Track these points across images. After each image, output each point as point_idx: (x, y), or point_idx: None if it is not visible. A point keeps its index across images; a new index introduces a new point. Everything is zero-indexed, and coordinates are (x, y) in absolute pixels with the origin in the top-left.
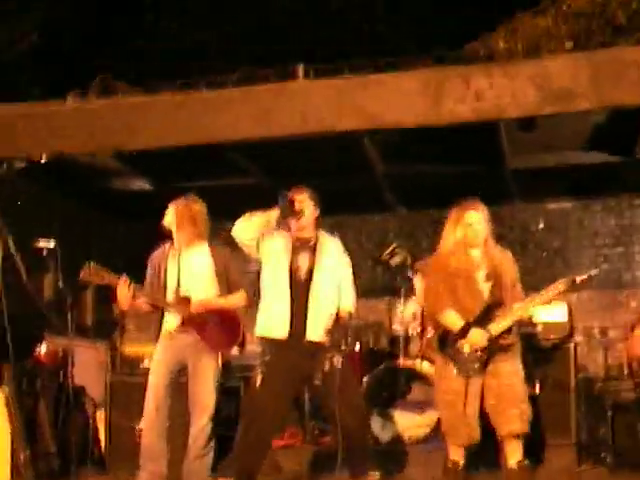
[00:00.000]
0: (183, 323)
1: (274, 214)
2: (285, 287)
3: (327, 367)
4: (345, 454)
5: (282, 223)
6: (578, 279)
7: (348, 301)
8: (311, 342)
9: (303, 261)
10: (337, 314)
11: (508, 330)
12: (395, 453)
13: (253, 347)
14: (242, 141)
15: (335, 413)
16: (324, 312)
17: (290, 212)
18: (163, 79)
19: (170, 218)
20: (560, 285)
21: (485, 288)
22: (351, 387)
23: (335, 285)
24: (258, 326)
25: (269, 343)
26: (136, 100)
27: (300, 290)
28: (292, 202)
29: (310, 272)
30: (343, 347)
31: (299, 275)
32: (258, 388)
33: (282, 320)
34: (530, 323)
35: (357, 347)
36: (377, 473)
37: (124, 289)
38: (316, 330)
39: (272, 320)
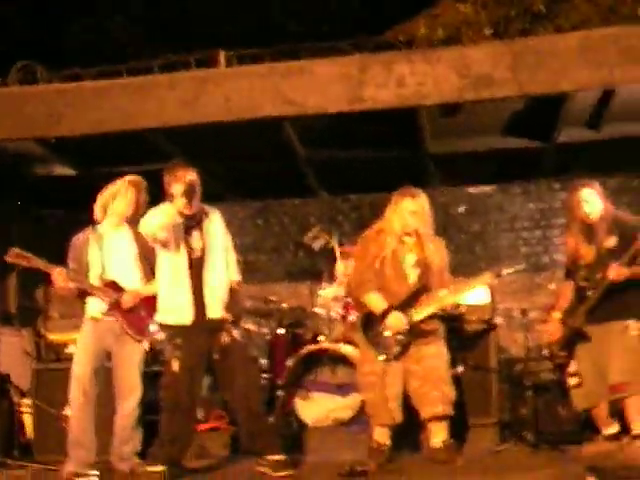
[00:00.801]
0: (110, 308)
1: (177, 209)
2: (183, 270)
3: (225, 340)
4: (244, 436)
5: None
6: (504, 272)
7: (234, 271)
8: (212, 320)
9: (195, 240)
10: (232, 290)
11: (431, 315)
12: (319, 435)
13: None
14: (166, 127)
15: (233, 391)
16: (220, 288)
17: (185, 192)
18: (85, 66)
19: (105, 198)
20: (486, 277)
21: (413, 274)
22: (247, 365)
23: (224, 258)
24: (161, 312)
25: (175, 328)
26: (60, 87)
27: (196, 270)
28: (180, 178)
29: (203, 250)
30: (249, 325)
31: (194, 255)
32: (176, 372)
33: (185, 305)
34: (454, 307)
35: (280, 330)
36: (282, 457)
37: (60, 277)
38: (215, 307)
39: (174, 305)
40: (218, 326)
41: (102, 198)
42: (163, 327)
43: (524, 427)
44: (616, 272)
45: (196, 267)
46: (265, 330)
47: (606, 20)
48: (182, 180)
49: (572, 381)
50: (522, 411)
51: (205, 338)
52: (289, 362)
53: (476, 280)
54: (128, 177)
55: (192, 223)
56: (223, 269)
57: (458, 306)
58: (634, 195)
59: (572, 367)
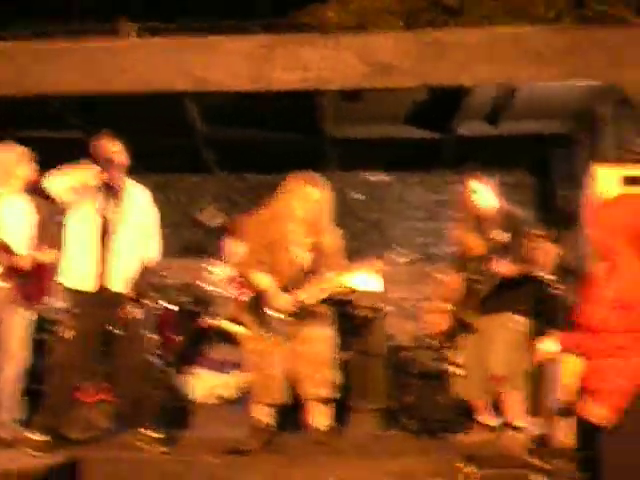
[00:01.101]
0: (4, 272)
1: (92, 173)
2: (93, 237)
3: (124, 316)
4: (126, 410)
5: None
6: (400, 261)
7: (152, 249)
8: (115, 293)
9: (110, 211)
10: (144, 267)
11: (320, 299)
12: (202, 411)
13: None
14: (68, 94)
15: (121, 365)
16: (128, 262)
17: (101, 159)
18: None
19: (5, 166)
20: (378, 264)
21: (304, 257)
22: (140, 342)
23: (141, 235)
24: (63, 276)
25: (76, 295)
26: None
27: (106, 240)
28: (102, 148)
29: (117, 222)
30: (147, 301)
31: (105, 225)
32: (68, 340)
33: (89, 272)
34: (345, 292)
35: (171, 306)
36: (160, 434)
37: None
38: (119, 281)
39: (79, 271)
40: (119, 300)
41: (3, 163)
42: (64, 291)
43: (407, 414)
44: (506, 268)
45: (105, 237)
46: (157, 305)
47: (515, 20)
48: (102, 150)
49: (454, 370)
50: (406, 398)
51: (104, 309)
52: (178, 338)
53: (366, 265)
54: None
55: (110, 193)
56: (136, 244)
57: (352, 292)
58: (529, 192)
59: (456, 357)
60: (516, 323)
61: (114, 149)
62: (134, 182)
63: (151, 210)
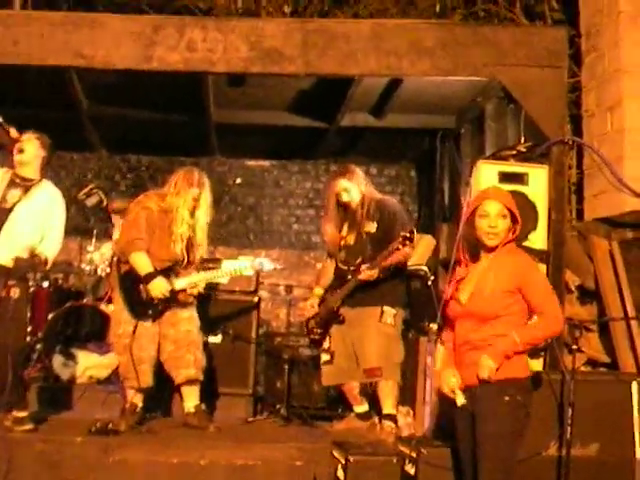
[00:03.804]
0: None
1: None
2: None
3: (3, 293)
4: None
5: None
6: (264, 270)
7: (48, 248)
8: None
9: (12, 195)
10: (34, 254)
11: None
12: (75, 392)
13: None
14: None
15: None
16: (17, 241)
17: (5, 138)
18: None
19: None
20: (245, 269)
21: (179, 246)
22: (15, 322)
23: (36, 226)
24: None
25: None
26: None
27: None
28: (7, 131)
29: (14, 205)
30: (31, 282)
31: (3, 206)
32: None
33: None
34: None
35: (44, 284)
36: (25, 413)
37: None
38: (4, 254)
39: None
40: (2, 275)
41: None
42: None
43: (278, 400)
44: (366, 275)
45: (3, 214)
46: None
47: (404, 13)
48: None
49: (323, 357)
50: (277, 384)
51: None
52: (50, 316)
53: (230, 271)
54: None
55: (21, 184)
56: (28, 232)
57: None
58: (409, 185)
59: (325, 344)
60: (386, 315)
61: (25, 137)
62: (51, 185)
63: (55, 210)
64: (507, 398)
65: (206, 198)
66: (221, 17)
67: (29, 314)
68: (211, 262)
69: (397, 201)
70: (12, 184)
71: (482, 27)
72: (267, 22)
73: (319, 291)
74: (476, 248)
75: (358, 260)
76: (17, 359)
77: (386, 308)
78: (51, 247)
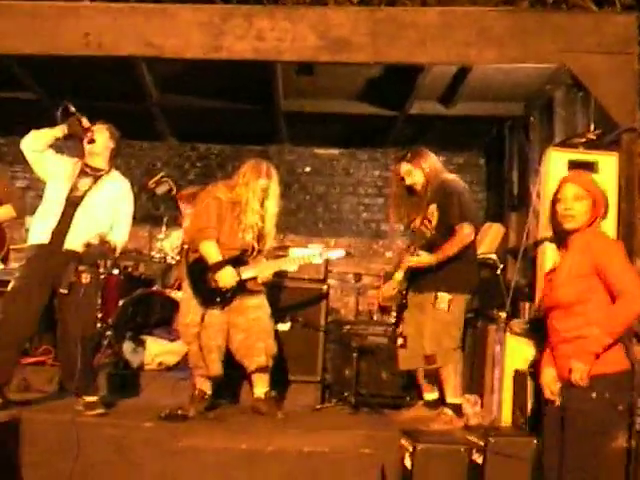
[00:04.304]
0: None
1: (61, 129)
2: (59, 203)
3: (74, 279)
4: (64, 373)
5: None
6: (333, 257)
7: (117, 236)
8: (68, 251)
9: (83, 184)
10: (104, 241)
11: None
12: (145, 378)
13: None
14: (23, 55)
15: (65, 329)
16: (88, 228)
17: (78, 128)
18: None
19: None
20: (314, 257)
21: (248, 236)
22: (86, 307)
23: (106, 215)
24: (30, 235)
25: (30, 249)
26: None
27: (71, 206)
28: (80, 120)
29: (86, 193)
30: (102, 270)
31: (75, 194)
32: (10, 294)
33: (47, 228)
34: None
35: (115, 271)
36: (95, 398)
37: None
38: (75, 240)
39: (38, 229)
40: (69, 259)
41: None
42: (28, 247)
43: (346, 388)
44: (411, 262)
45: (72, 203)
46: (101, 270)
47: (471, 0)
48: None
49: (398, 341)
50: (346, 372)
51: (58, 268)
52: (120, 303)
53: (304, 258)
54: None
55: (91, 173)
56: (100, 220)
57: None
58: (478, 173)
59: (400, 328)
60: (440, 300)
61: (97, 127)
62: (119, 174)
63: (126, 199)
64: (594, 395)
65: (275, 189)
66: (289, 6)
67: (99, 300)
68: (280, 250)
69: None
70: (82, 174)
71: (551, 14)
72: (335, 11)
73: (399, 275)
74: (564, 235)
75: (421, 243)
76: (87, 344)
77: (440, 294)
78: (120, 235)
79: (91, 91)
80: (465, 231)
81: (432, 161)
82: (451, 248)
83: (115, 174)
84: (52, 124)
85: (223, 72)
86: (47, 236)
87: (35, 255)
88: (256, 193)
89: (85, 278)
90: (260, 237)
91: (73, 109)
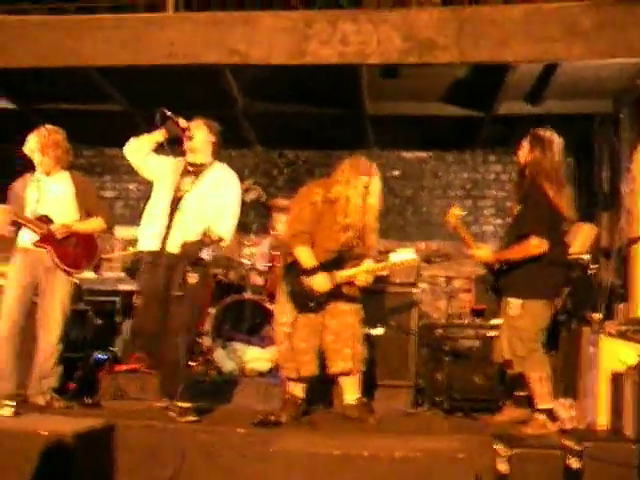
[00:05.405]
0: (41, 239)
1: (161, 133)
2: (165, 206)
3: (182, 280)
4: (159, 377)
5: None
6: (434, 259)
7: (223, 227)
8: (170, 254)
9: (185, 183)
10: (204, 234)
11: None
12: (237, 384)
13: (108, 273)
14: (109, 67)
15: (166, 333)
16: (187, 228)
17: (176, 129)
18: (35, 2)
19: (31, 145)
20: (414, 259)
21: (347, 236)
22: (188, 311)
23: (207, 210)
24: (139, 240)
25: (143, 257)
26: (3, 19)
27: (174, 208)
28: (177, 122)
29: (187, 194)
30: (204, 258)
31: (178, 195)
32: (137, 305)
33: (156, 234)
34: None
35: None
36: (189, 404)
37: (2, 214)
38: (175, 243)
39: (147, 235)
40: (175, 262)
41: (39, 142)
42: (138, 254)
43: (438, 392)
44: (485, 255)
45: (175, 205)
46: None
47: None
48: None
49: (492, 333)
50: (438, 376)
51: (163, 271)
52: (212, 310)
53: (403, 261)
54: (39, 129)
55: (193, 170)
56: (199, 217)
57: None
58: (568, 172)
59: (495, 320)
60: (511, 306)
61: (194, 124)
62: (223, 165)
63: (228, 191)
64: None
65: (376, 185)
66: (373, 9)
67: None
68: (379, 255)
69: None
70: (185, 173)
71: (638, 6)
72: (419, 12)
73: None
74: None
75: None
76: (186, 349)
77: (510, 299)
78: (226, 225)
79: (177, 100)
80: (532, 243)
81: (535, 149)
82: (514, 254)
83: (217, 165)
84: (139, 134)
85: (308, 77)
86: (155, 242)
87: (147, 262)
88: (358, 190)
89: (192, 278)
90: (363, 235)
91: (169, 112)
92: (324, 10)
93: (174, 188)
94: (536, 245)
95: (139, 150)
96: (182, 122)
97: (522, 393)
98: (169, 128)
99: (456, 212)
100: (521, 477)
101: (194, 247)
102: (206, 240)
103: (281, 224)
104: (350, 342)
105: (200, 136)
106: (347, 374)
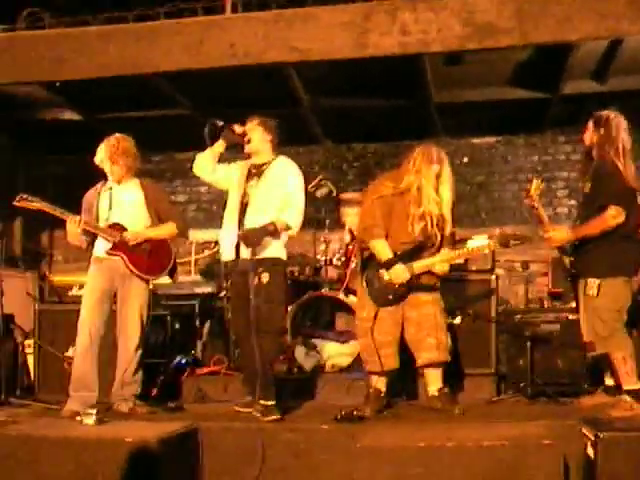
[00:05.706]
0: (114, 247)
1: (220, 144)
2: (234, 212)
3: (256, 281)
4: (246, 377)
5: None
6: (511, 243)
7: (287, 215)
8: (244, 260)
9: (250, 187)
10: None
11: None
12: (318, 381)
13: (184, 277)
14: (171, 72)
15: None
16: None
17: (233, 137)
18: (92, 12)
19: (101, 155)
20: (491, 244)
21: (420, 226)
22: (267, 311)
23: (273, 202)
24: (221, 250)
25: (225, 267)
26: (65, 31)
27: (243, 213)
28: (232, 129)
29: (253, 195)
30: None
31: (244, 200)
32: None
33: (229, 243)
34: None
35: None
36: (272, 402)
37: (74, 225)
38: (245, 248)
39: (224, 245)
40: (248, 267)
41: (108, 151)
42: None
43: (521, 378)
44: (557, 237)
45: (244, 210)
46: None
47: None
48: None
49: (572, 316)
50: (520, 362)
51: (241, 277)
52: (290, 308)
53: (480, 247)
54: (108, 138)
55: (257, 171)
56: (266, 213)
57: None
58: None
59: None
60: (589, 287)
61: (248, 126)
62: (284, 157)
63: (291, 181)
64: None
65: (447, 173)
66: None
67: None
68: (457, 242)
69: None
70: (250, 176)
71: None
72: None
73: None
74: None
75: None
76: (271, 345)
77: (589, 280)
78: (292, 213)
79: (241, 101)
80: (610, 213)
81: (608, 127)
82: (591, 228)
83: (278, 159)
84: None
85: (371, 70)
86: (231, 251)
87: (226, 273)
88: (429, 180)
89: (264, 277)
90: (439, 224)
91: (220, 122)
92: (382, 1)
93: (241, 193)
94: (614, 215)
95: (205, 166)
96: (237, 128)
97: (612, 382)
98: (227, 137)
99: (538, 185)
100: (611, 461)
101: (255, 233)
102: (269, 227)
103: (350, 218)
104: (433, 332)
105: (257, 137)
106: (433, 365)
